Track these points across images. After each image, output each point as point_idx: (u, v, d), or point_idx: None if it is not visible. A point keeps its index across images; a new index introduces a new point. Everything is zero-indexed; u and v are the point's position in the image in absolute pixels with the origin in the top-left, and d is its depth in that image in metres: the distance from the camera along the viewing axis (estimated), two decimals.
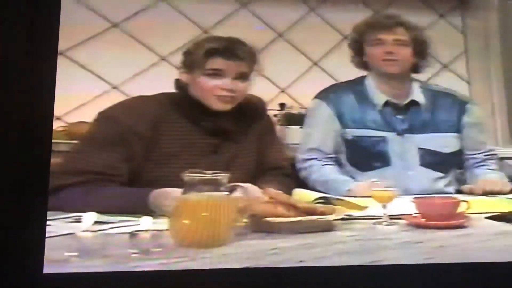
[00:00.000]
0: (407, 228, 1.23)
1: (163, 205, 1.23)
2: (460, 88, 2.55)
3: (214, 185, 1.06)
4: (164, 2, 2.34)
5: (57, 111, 1.12)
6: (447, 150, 1.75)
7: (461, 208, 1.26)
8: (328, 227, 1.18)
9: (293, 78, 2.47)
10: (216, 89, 1.44)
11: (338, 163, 1.74)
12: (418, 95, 1.78)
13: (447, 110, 1.78)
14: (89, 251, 0.97)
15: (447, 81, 2.51)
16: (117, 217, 1.22)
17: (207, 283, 0.97)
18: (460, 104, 1.81)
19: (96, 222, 1.07)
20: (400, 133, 1.73)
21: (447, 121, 1.77)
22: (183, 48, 1.53)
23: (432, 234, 1.17)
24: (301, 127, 1.89)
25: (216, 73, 1.44)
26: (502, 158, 2.04)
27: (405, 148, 1.72)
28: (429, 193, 1.65)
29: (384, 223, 1.24)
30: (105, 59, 2.21)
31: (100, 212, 1.15)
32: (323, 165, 1.71)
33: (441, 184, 1.73)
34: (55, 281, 0.93)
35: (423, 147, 1.73)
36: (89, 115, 1.50)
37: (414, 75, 1.82)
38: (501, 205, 1.47)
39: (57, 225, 1.14)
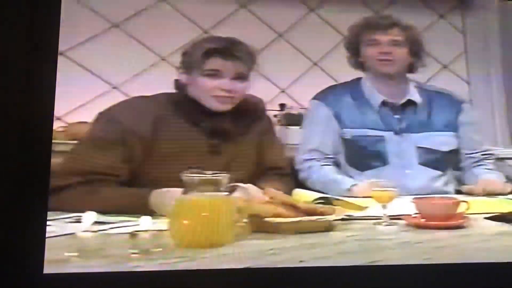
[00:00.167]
0: (407, 228, 1.23)
1: (163, 205, 1.23)
2: (460, 88, 2.56)
3: (214, 185, 1.06)
4: (164, 2, 2.34)
5: (57, 111, 1.12)
6: (444, 148, 1.76)
7: (461, 208, 1.26)
8: (328, 227, 1.18)
9: (293, 78, 2.47)
10: (214, 90, 1.44)
11: (337, 163, 1.75)
12: (414, 94, 1.79)
13: (443, 109, 1.79)
14: (89, 251, 0.97)
15: (447, 81, 2.52)
16: (117, 217, 1.22)
17: (207, 283, 0.97)
18: (456, 104, 1.82)
19: (96, 222, 1.06)
20: (398, 132, 1.74)
21: (443, 120, 1.78)
22: (183, 48, 1.53)
23: (431, 234, 1.17)
24: (301, 128, 1.89)
25: (215, 74, 1.44)
26: (501, 159, 2.04)
27: (402, 147, 1.72)
28: (427, 192, 1.66)
29: (384, 223, 1.24)
30: (105, 59, 2.21)
31: (100, 212, 1.15)
32: (322, 165, 1.72)
33: (439, 183, 1.74)
34: (55, 281, 0.93)
35: (421, 146, 1.73)
36: (89, 115, 1.50)
37: (412, 75, 1.83)
38: (500, 205, 1.47)
39: (57, 225, 1.14)
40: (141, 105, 1.48)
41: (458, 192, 1.73)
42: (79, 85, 2.08)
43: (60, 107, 1.14)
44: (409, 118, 1.76)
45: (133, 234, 1.01)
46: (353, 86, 1.81)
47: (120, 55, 2.24)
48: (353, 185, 1.62)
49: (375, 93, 1.77)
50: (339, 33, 2.39)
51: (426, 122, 1.77)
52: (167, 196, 1.24)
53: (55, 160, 1.17)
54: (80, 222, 1.04)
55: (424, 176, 1.72)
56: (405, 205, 1.29)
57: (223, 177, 1.07)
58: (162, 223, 1.06)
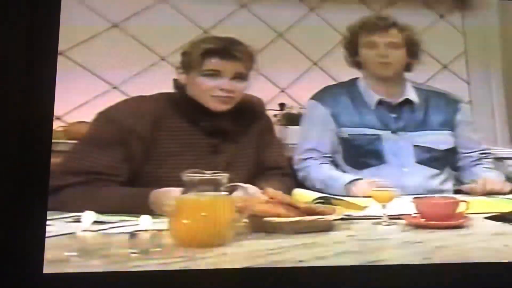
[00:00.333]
0: (407, 228, 1.23)
1: (163, 204, 1.23)
2: (460, 88, 2.56)
3: (214, 185, 1.06)
4: (164, 2, 2.34)
5: (56, 111, 1.12)
6: (441, 147, 1.76)
7: (461, 208, 1.27)
8: (327, 227, 1.18)
9: (293, 78, 2.47)
10: (213, 90, 1.44)
11: (334, 162, 1.75)
12: (411, 93, 1.80)
13: (440, 108, 1.80)
14: (89, 251, 0.97)
15: (446, 81, 2.52)
16: (117, 217, 1.22)
17: (207, 283, 0.97)
18: (452, 103, 1.83)
19: (96, 222, 1.07)
20: (395, 131, 1.74)
21: (440, 119, 1.79)
22: (182, 48, 1.53)
23: (431, 234, 1.18)
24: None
25: (213, 74, 1.44)
26: (501, 158, 2.04)
27: (400, 145, 1.73)
28: (424, 190, 1.67)
29: (383, 223, 1.24)
30: (105, 59, 2.21)
31: (100, 212, 1.15)
32: (320, 164, 1.72)
33: (436, 182, 1.74)
34: (55, 281, 0.93)
35: (418, 144, 1.74)
36: (88, 115, 1.50)
37: (412, 76, 1.83)
38: (500, 205, 1.47)
39: (57, 225, 1.14)
40: (140, 104, 1.48)
41: (457, 191, 1.73)
42: (78, 84, 2.08)
43: (60, 107, 1.14)
44: (406, 117, 1.77)
45: (132, 234, 1.01)
46: (350, 86, 1.82)
47: (120, 55, 2.24)
48: (352, 181, 1.62)
49: (371, 93, 1.78)
50: (339, 33, 2.39)
51: (423, 121, 1.77)
52: (167, 195, 1.24)
53: (55, 160, 1.17)
54: (79, 221, 1.04)
55: (421, 175, 1.73)
56: (405, 205, 1.29)
57: (223, 177, 1.07)
58: (161, 223, 1.06)
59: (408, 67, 1.81)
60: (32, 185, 1.03)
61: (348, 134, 1.74)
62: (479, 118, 2.56)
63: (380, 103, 1.77)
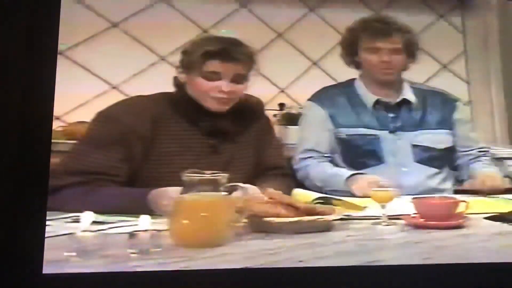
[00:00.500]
0: (406, 228, 1.23)
1: (162, 204, 1.23)
2: (459, 88, 2.56)
3: (213, 185, 1.06)
4: (164, 2, 2.34)
5: (56, 111, 1.12)
6: (440, 146, 1.77)
7: (460, 208, 1.27)
8: (327, 227, 1.18)
9: (293, 78, 2.47)
10: (213, 91, 1.44)
11: (333, 163, 1.75)
12: (409, 93, 1.80)
13: (438, 108, 1.81)
14: (88, 251, 0.97)
15: (446, 81, 2.52)
16: (116, 217, 1.22)
17: (206, 283, 0.97)
18: (449, 102, 1.84)
19: (95, 222, 1.07)
20: (393, 131, 1.75)
21: (438, 118, 1.80)
22: (182, 48, 1.53)
23: (431, 234, 1.18)
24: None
25: (213, 75, 1.44)
26: (501, 158, 2.05)
27: (398, 145, 1.74)
28: (424, 189, 1.68)
29: (383, 223, 1.24)
30: (105, 59, 2.21)
31: (99, 212, 1.15)
32: (320, 162, 1.73)
33: (436, 181, 1.75)
34: (54, 281, 0.93)
35: (416, 144, 1.74)
36: (88, 115, 1.50)
37: (411, 76, 1.84)
38: (500, 205, 1.47)
39: (56, 225, 1.14)
40: (140, 104, 1.48)
41: (457, 191, 1.73)
42: (78, 84, 2.08)
43: (60, 107, 1.14)
44: (404, 116, 1.77)
45: (132, 234, 1.01)
46: (347, 87, 1.83)
47: (119, 55, 2.24)
48: (353, 174, 1.62)
49: (369, 93, 1.79)
50: (339, 33, 2.39)
51: (421, 120, 1.78)
52: (166, 195, 1.24)
53: (54, 160, 1.17)
54: (79, 222, 1.04)
55: (420, 174, 1.73)
56: (404, 205, 1.29)
57: (223, 177, 1.07)
58: (161, 223, 1.06)
59: (405, 67, 1.82)
60: (32, 185, 1.02)
61: (346, 135, 1.74)
62: (479, 118, 2.57)
63: (378, 103, 1.78)
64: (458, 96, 1.92)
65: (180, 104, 1.48)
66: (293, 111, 2.34)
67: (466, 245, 1.12)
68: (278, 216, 1.14)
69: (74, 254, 0.96)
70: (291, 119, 2.26)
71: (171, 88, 1.52)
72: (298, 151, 1.76)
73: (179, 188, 1.09)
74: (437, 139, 1.77)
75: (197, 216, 1.04)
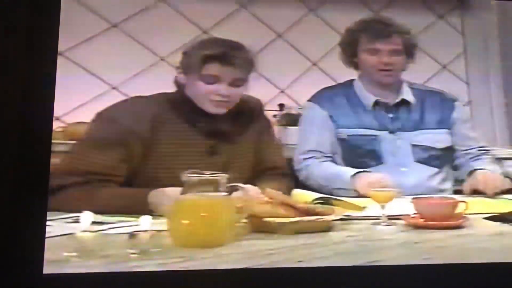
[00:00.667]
0: (406, 229, 1.23)
1: (161, 205, 1.23)
2: (459, 89, 2.56)
3: (213, 185, 1.06)
4: (164, 2, 2.34)
5: (56, 111, 1.12)
6: (439, 145, 1.78)
7: (460, 208, 1.27)
8: (327, 228, 1.18)
9: (292, 78, 2.47)
10: (211, 94, 1.44)
11: (334, 163, 1.75)
12: (408, 94, 1.81)
13: (436, 107, 1.81)
14: (88, 252, 0.97)
15: (446, 82, 2.52)
16: (116, 217, 1.22)
17: (206, 283, 0.97)
18: (448, 102, 1.85)
19: (95, 223, 1.07)
20: (392, 131, 1.75)
21: (437, 118, 1.80)
22: (182, 48, 1.53)
23: (430, 234, 1.18)
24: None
25: (212, 79, 1.44)
26: (500, 159, 2.05)
27: (397, 145, 1.74)
28: (424, 189, 1.68)
29: (382, 223, 1.24)
30: (104, 59, 2.21)
31: (99, 212, 1.15)
32: (322, 162, 1.73)
33: (436, 180, 1.75)
34: (54, 282, 0.93)
35: (416, 144, 1.75)
36: (88, 115, 1.50)
37: (411, 75, 1.84)
38: (499, 205, 1.47)
39: (56, 225, 1.14)
40: (139, 105, 1.49)
41: (457, 191, 1.73)
42: (78, 85, 2.08)
43: (59, 107, 1.14)
44: (403, 117, 1.78)
45: (132, 234, 1.01)
46: (346, 87, 1.83)
47: (119, 55, 2.24)
48: (357, 173, 1.62)
49: (368, 94, 1.79)
50: (339, 34, 2.40)
51: (420, 120, 1.79)
52: (165, 196, 1.24)
53: (54, 160, 1.17)
54: (78, 222, 1.04)
55: (420, 174, 1.73)
56: (404, 205, 1.29)
57: (222, 177, 1.08)
58: (161, 223, 1.06)
59: (404, 68, 1.82)
60: (32, 185, 1.02)
61: (346, 135, 1.74)
62: (479, 118, 2.57)
63: (377, 104, 1.78)
64: (458, 97, 1.92)
65: (179, 105, 1.48)
66: (293, 111, 2.34)
67: (466, 245, 1.12)
68: (277, 216, 1.14)
69: (74, 254, 0.96)
70: (291, 120, 2.26)
71: (170, 89, 1.52)
72: (300, 151, 1.76)
73: (178, 189, 1.09)
74: (437, 138, 1.78)
75: (197, 217, 1.04)
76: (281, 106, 2.40)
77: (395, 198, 1.28)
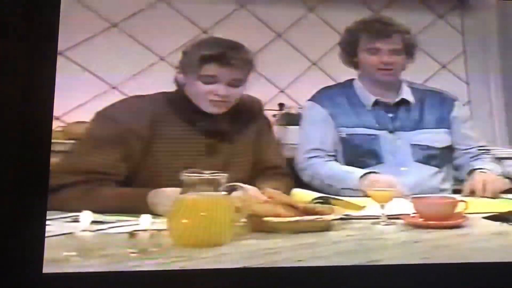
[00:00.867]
0: (405, 228, 1.23)
1: (161, 204, 1.23)
2: (459, 88, 2.56)
3: (213, 185, 1.07)
4: (164, 2, 2.34)
5: (55, 111, 1.13)
6: (439, 145, 1.78)
7: (459, 208, 1.27)
8: (326, 227, 1.18)
9: (292, 78, 2.47)
10: (209, 94, 1.44)
11: (337, 161, 1.75)
12: (407, 94, 1.81)
13: (436, 107, 1.82)
14: (88, 251, 0.97)
15: (445, 81, 2.52)
16: (115, 216, 1.22)
17: (206, 283, 0.97)
18: (447, 101, 1.85)
19: (95, 222, 1.07)
20: (392, 131, 1.75)
21: (437, 118, 1.80)
22: (182, 48, 1.53)
23: (430, 234, 1.18)
24: (300, 128, 1.90)
25: (210, 79, 1.44)
26: (500, 159, 2.05)
27: (397, 145, 1.74)
28: (424, 189, 1.68)
29: (382, 223, 1.25)
30: (105, 59, 2.21)
31: (99, 211, 1.15)
32: (327, 161, 1.73)
33: (436, 180, 1.75)
34: (54, 281, 0.94)
35: (416, 143, 1.75)
36: (88, 115, 1.50)
37: (410, 75, 1.85)
38: (499, 205, 1.47)
39: (56, 225, 1.14)
40: (138, 104, 1.49)
41: (457, 191, 1.73)
42: (78, 85, 2.08)
43: (59, 107, 1.14)
44: (403, 116, 1.78)
45: (132, 234, 1.01)
46: (346, 87, 1.84)
47: (119, 55, 2.24)
48: (366, 174, 1.62)
49: (367, 94, 1.80)
50: (338, 33, 2.39)
51: (419, 120, 1.79)
52: (165, 195, 1.24)
53: (54, 160, 1.17)
54: (78, 221, 1.04)
55: (420, 173, 1.73)
56: (404, 205, 1.29)
57: (222, 177, 1.08)
58: (160, 223, 1.06)
59: (404, 67, 1.82)
60: (32, 185, 1.03)
61: (346, 134, 1.75)
62: (478, 118, 2.57)
63: (377, 103, 1.78)
64: (457, 96, 1.92)
65: (178, 104, 1.48)
66: (293, 111, 2.34)
67: (465, 244, 1.12)
68: (277, 216, 1.14)
69: (73, 253, 0.96)
70: (291, 119, 2.26)
71: (170, 88, 1.52)
72: (303, 150, 1.76)
73: (178, 189, 1.09)
74: (436, 138, 1.78)
75: (197, 216, 1.04)
76: (281, 105, 2.40)
77: (395, 198, 1.28)
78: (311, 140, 1.77)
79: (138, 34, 2.28)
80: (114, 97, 1.90)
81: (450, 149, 1.80)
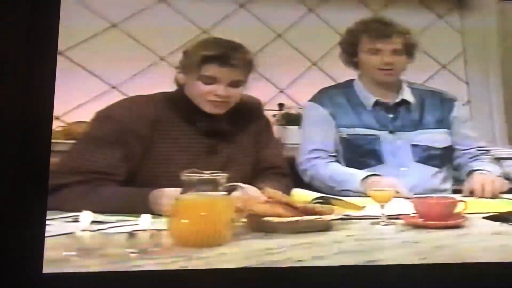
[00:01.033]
0: (405, 228, 1.23)
1: (161, 204, 1.23)
2: (458, 88, 2.56)
3: (213, 185, 1.07)
4: (164, 2, 2.34)
5: (55, 111, 1.13)
6: (439, 145, 1.78)
7: (459, 208, 1.27)
8: (326, 227, 1.18)
9: (292, 78, 2.47)
10: (208, 95, 1.44)
11: (338, 162, 1.76)
12: (407, 94, 1.81)
13: (436, 107, 1.82)
14: (88, 251, 0.97)
15: (445, 81, 2.52)
16: (115, 216, 1.22)
17: (205, 283, 0.97)
18: (447, 102, 1.84)
19: (95, 222, 1.07)
20: (392, 131, 1.75)
21: (437, 118, 1.80)
22: (182, 48, 1.53)
23: (429, 234, 1.18)
24: (300, 128, 1.90)
25: (210, 79, 1.44)
26: (500, 159, 2.05)
27: (398, 145, 1.74)
28: (425, 189, 1.68)
29: (382, 223, 1.25)
30: (105, 59, 2.21)
31: (99, 211, 1.15)
32: (328, 162, 1.73)
33: (436, 180, 1.75)
34: (54, 281, 0.94)
35: (416, 143, 1.75)
36: (88, 115, 1.50)
37: (410, 75, 1.85)
38: (498, 205, 1.47)
39: (56, 225, 1.14)
40: (139, 104, 1.48)
41: (457, 191, 1.73)
42: (78, 84, 2.08)
43: (59, 107, 1.14)
44: (403, 117, 1.78)
45: (131, 234, 1.01)
46: (346, 87, 1.83)
47: (119, 55, 2.24)
48: (368, 176, 1.62)
49: (368, 94, 1.79)
50: (338, 33, 2.40)
51: (420, 120, 1.79)
52: (165, 195, 1.24)
53: (54, 160, 1.17)
54: (78, 221, 1.04)
55: (421, 174, 1.73)
56: (403, 205, 1.29)
57: (222, 176, 1.08)
58: (160, 223, 1.07)
59: (404, 67, 1.82)
60: (32, 184, 1.03)
61: (347, 134, 1.75)
62: (478, 118, 2.57)
63: (377, 103, 1.78)
64: (457, 96, 1.93)
65: (178, 104, 1.48)
66: (293, 111, 2.35)
67: (465, 244, 1.12)
68: (277, 216, 1.14)
69: (73, 253, 0.96)
70: (291, 119, 2.27)
71: (170, 88, 1.52)
72: (304, 151, 1.76)
73: (178, 189, 1.09)
74: (436, 138, 1.78)
75: (197, 216, 1.04)
76: (281, 105, 2.41)
77: (395, 198, 1.28)
78: (313, 140, 1.77)
79: (138, 34, 2.28)
80: (114, 97, 1.90)
81: (450, 149, 1.80)
